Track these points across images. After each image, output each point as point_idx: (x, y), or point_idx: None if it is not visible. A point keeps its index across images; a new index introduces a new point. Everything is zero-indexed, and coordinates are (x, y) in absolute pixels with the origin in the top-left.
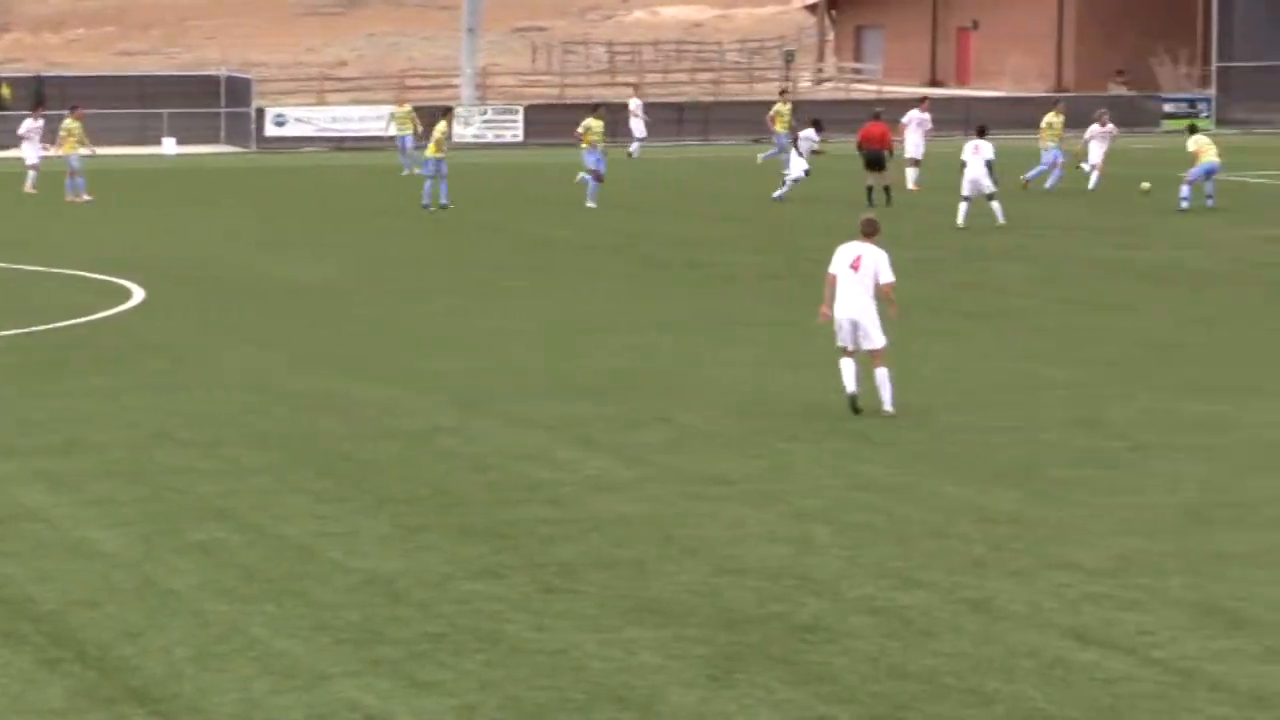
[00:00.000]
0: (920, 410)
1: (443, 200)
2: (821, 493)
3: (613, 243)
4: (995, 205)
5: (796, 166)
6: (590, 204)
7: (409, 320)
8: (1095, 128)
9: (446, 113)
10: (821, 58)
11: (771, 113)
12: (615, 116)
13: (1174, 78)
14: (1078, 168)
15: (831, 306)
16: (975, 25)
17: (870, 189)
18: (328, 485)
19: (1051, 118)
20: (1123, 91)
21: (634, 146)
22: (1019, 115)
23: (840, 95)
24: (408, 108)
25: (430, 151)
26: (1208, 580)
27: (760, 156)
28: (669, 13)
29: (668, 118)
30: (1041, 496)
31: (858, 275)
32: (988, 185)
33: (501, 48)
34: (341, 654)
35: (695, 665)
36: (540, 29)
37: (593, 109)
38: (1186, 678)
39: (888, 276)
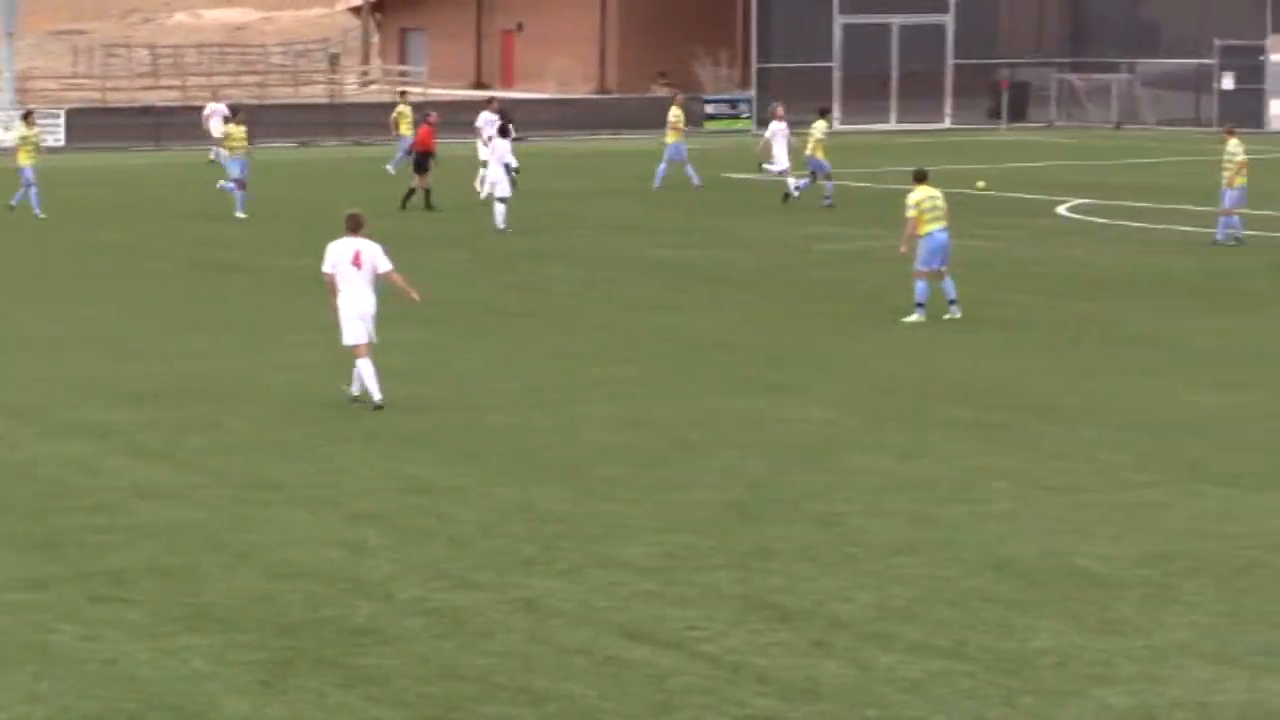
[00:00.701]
0: (469, 411)
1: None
2: (372, 495)
3: (163, 248)
4: (499, 208)
5: (495, 174)
6: (239, 214)
7: None
8: (776, 125)
9: (27, 116)
10: (366, 60)
11: (394, 115)
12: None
13: (715, 79)
14: (762, 169)
15: (339, 305)
16: (519, 28)
17: (412, 191)
18: None
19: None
20: (666, 93)
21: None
22: (564, 117)
23: (387, 98)
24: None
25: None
26: (754, 574)
27: (389, 165)
28: (211, 15)
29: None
30: (590, 495)
31: (360, 271)
32: (504, 188)
33: (40, 51)
34: None
35: (249, 671)
36: (81, 32)
37: (232, 115)
38: (734, 671)
39: (386, 265)
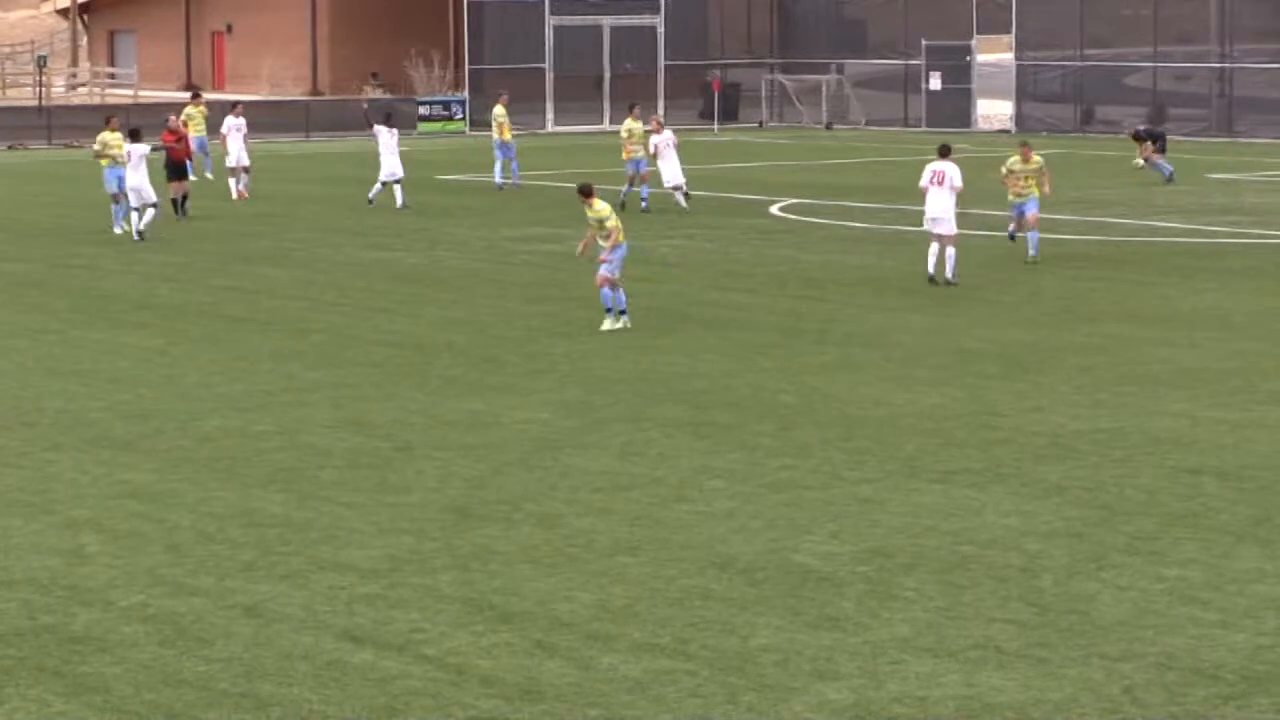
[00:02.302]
0: (185, 416)
1: None
2: (89, 501)
3: None
4: (150, 213)
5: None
6: None
7: None
8: (661, 137)
9: None
10: (75, 62)
11: (182, 117)
12: None
13: (428, 81)
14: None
15: None
16: (229, 29)
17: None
18: None
19: (630, 124)
20: (378, 95)
21: None
22: (277, 119)
23: (96, 100)
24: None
25: None
26: (476, 576)
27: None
28: None
29: None
30: (310, 499)
31: None
32: (149, 194)
33: None
34: None
35: None
36: None
37: None
38: (458, 673)
39: None
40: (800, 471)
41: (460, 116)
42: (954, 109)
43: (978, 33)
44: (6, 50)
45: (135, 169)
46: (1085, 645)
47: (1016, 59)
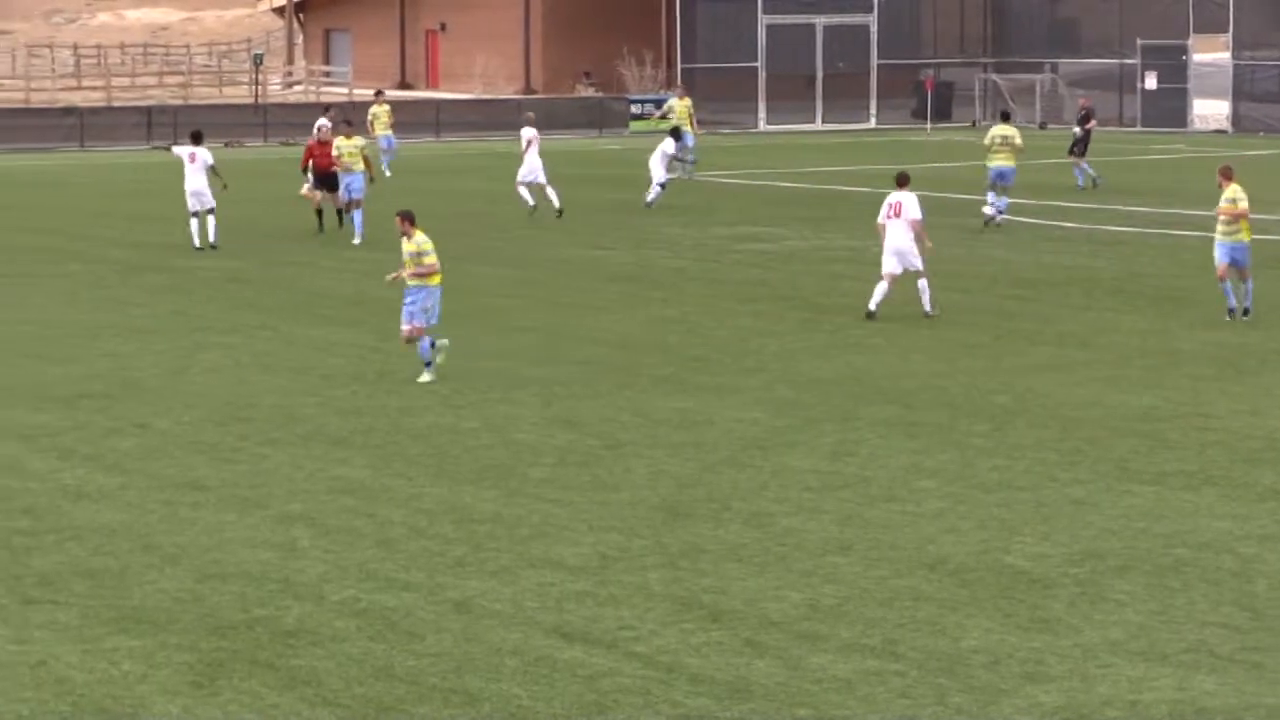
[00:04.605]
0: (397, 412)
1: None
2: (302, 496)
3: (87, 249)
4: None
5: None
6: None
7: None
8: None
9: None
10: (291, 61)
11: (369, 115)
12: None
13: (639, 79)
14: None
15: None
16: (443, 28)
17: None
18: None
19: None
20: (591, 94)
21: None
22: (490, 117)
23: (312, 98)
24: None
25: None
26: (685, 574)
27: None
28: (134, 15)
29: (136, 121)
30: (520, 495)
31: None
32: (208, 199)
33: None
34: None
35: (180, 673)
36: (4, 32)
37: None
38: (668, 671)
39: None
40: (1012, 472)
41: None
42: (1169, 109)
43: (1194, 31)
44: (223, 48)
45: (198, 172)
46: None
47: (1233, 58)
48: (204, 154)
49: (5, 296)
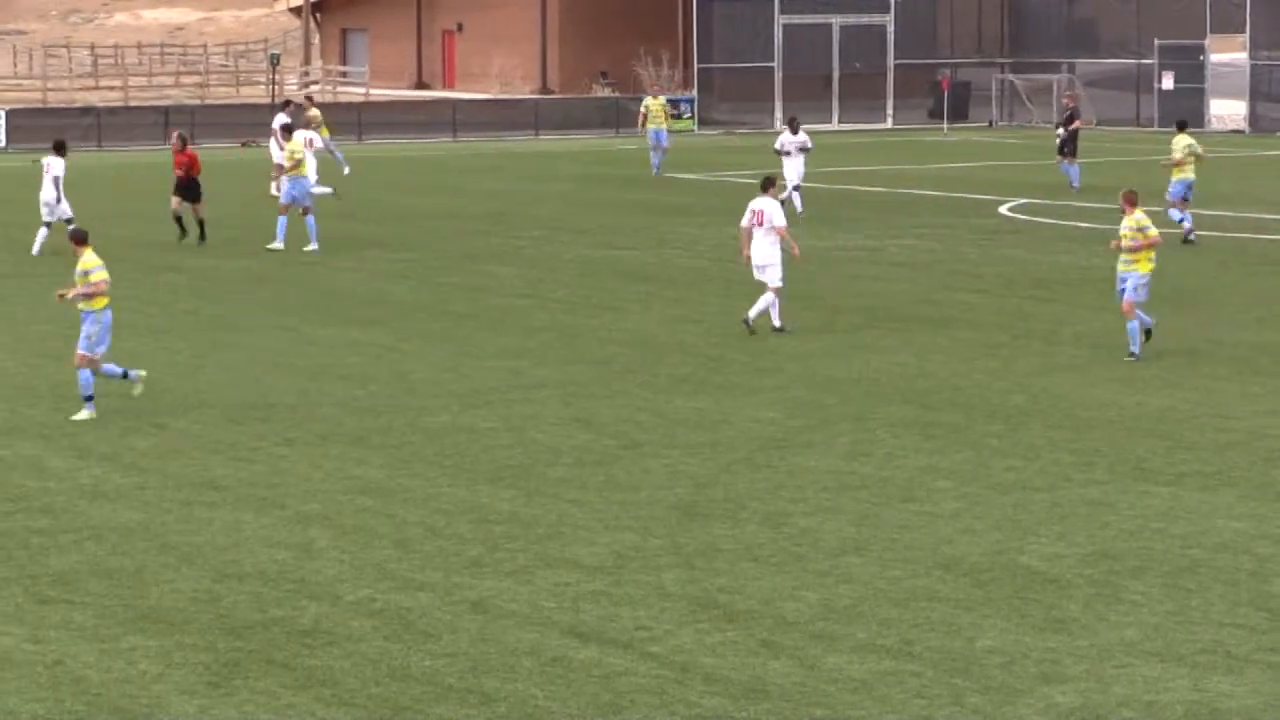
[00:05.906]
0: (414, 412)
1: None
2: (319, 496)
3: (102, 249)
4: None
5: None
6: None
7: None
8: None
9: None
10: (308, 60)
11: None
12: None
13: (657, 79)
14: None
15: None
16: (460, 28)
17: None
18: None
19: None
20: (607, 94)
21: None
22: (506, 117)
23: (328, 98)
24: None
25: None
26: (701, 574)
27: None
28: (151, 15)
29: (153, 121)
30: (537, 495)
31: None
32: (64, 210)
33: None
34: None
35: (196, 673)
36: (21, 33)
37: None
38: (683, 671)
39: None
40: (1028, 473)
41: (688, 115)
42: (1186, 109)
43: (1211, 31)
44: (240, 48)
45: (50, 183)
46: None
47: (1251, 58)
48: (57, 165)
49: (24, 296)
